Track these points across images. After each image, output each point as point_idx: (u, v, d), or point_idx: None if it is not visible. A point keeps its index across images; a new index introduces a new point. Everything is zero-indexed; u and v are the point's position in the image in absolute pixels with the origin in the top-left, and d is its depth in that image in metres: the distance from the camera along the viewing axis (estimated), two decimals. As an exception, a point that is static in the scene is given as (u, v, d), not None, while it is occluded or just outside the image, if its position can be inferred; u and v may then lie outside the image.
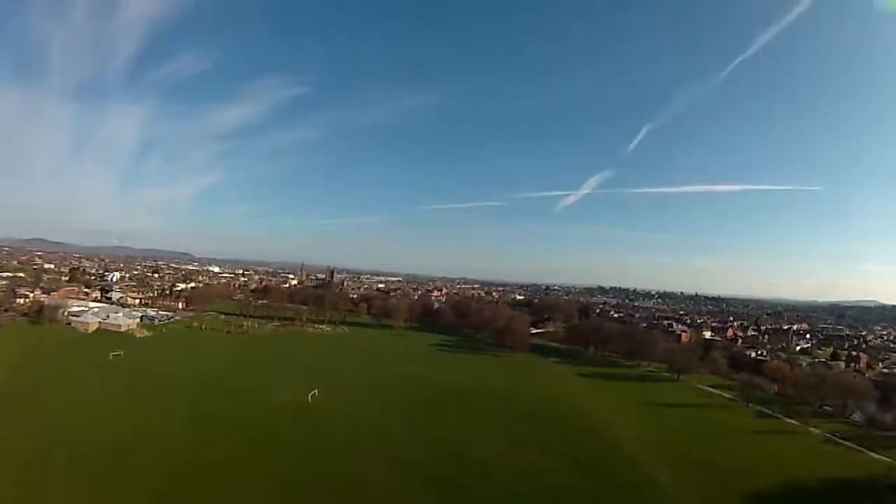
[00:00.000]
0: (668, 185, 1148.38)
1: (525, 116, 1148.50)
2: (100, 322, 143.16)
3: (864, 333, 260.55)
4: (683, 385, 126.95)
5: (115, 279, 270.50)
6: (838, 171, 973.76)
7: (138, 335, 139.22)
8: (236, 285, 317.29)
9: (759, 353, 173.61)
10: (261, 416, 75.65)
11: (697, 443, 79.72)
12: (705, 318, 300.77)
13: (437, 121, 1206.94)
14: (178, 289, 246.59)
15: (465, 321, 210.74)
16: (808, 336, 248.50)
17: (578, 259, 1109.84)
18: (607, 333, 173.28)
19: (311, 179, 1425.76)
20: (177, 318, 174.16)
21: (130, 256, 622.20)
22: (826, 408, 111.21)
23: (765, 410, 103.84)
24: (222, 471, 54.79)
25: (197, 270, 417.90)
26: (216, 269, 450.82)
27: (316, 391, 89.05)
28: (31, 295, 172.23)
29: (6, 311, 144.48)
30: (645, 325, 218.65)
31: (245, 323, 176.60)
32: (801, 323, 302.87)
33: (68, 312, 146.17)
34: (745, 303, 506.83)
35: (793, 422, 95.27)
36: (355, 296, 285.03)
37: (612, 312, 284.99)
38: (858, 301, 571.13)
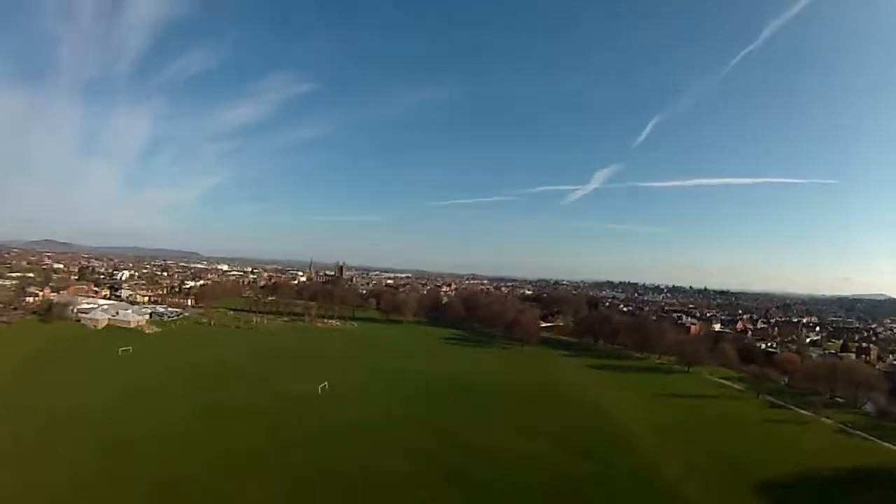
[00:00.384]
0: (677, 179, 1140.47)
1: (532, 112, 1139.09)
2: (109, 318, 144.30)
3: (874, 326, 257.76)
4: (694, 376, 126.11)
5: (124, 277, 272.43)
6: (854, 164, 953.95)
7: (148, 331, 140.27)
8: (245, 282, 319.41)
9: (769, 344, 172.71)
10: (270, 408, 75.97)
11: (709, 432, 79.38)
12: (714, 311, 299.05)
13: (445, 117, 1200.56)
14: (187, 286, 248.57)
15: (474, 315, 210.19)
16: (817, 329, 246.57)
17: (587, 254, 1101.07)
18: (617, 326, 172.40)
19: (319, 177, 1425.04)
20: (186, 314, 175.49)
21: (139, 256, 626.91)
22: (837, 399, 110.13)
23: (776, 401, 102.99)
24: (229, 462, 54.99)
25: (206, 269, 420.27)
26: (225, 268, 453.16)
27: (326, 383, 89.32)
28: (41, 293, 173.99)
29: (15, 309, 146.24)
30: (654, 317, 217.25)
31: (254, 319, 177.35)
32: (810, 316, 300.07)
33: (77, 309, 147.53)
34: (755, 297, 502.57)
35: (804, 412, 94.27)
36: (364, 291, 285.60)
37: (621, 306, 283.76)
38: (868, 295, 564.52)
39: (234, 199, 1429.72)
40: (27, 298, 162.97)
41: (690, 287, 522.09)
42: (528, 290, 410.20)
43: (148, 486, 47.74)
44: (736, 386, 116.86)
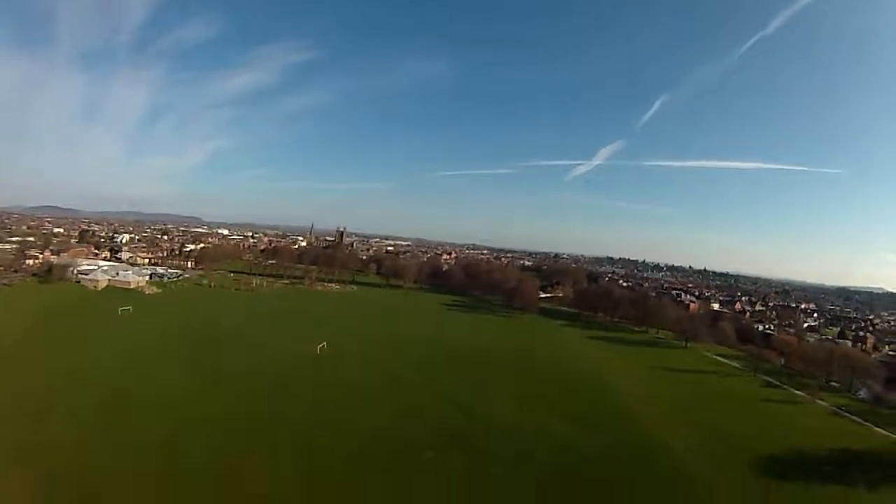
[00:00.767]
0: (681, 160, 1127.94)
1: (539, 87, 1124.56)
2: (109, 279, 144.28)
3: (871, 317, 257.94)
4: (692, 352, 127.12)
5: (124, 241, 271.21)
6: (861, 156, 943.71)
7: (148, 292, 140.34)
8: (246, 246, 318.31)
9: (766, 326, 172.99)
10: (268, 367, 76.49)
11: (706, 407, 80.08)
12: (713, 291, 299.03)
13: (449, 88, 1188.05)
14: (188, 249, 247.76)
15: (474, 282, 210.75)
16: (815, 315, 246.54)
17: (588, 229, 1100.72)
18: (617, 299, 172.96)
19: (321, 144, 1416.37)
20: (186, 276, 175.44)
21: (140, 221, 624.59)
22: (832, 383, 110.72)
23: (772, 381, 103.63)
24: (225, 422, 55.06)
25: (206, 233, 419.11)
26: (225, 232, 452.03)
27: (325, 344, 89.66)
28: (41, 256, 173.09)
29: (16, 272, 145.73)
30: (654, 294, 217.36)
31: (254, 281, 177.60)
32: (808, 303, 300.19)
33: (77, 271, 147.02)
34: (754, 280, 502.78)
35: (800, 393, 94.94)
36: (365, 257, 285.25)
37: (620, 281, 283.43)
38: (867, 287, 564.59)
39: (235, 166, 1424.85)
40: (27, 261, 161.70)
41: (690, 267, 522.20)
42: (528, 261, 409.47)
43: (145, 445, 47.71)
44: (733, 363, 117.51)
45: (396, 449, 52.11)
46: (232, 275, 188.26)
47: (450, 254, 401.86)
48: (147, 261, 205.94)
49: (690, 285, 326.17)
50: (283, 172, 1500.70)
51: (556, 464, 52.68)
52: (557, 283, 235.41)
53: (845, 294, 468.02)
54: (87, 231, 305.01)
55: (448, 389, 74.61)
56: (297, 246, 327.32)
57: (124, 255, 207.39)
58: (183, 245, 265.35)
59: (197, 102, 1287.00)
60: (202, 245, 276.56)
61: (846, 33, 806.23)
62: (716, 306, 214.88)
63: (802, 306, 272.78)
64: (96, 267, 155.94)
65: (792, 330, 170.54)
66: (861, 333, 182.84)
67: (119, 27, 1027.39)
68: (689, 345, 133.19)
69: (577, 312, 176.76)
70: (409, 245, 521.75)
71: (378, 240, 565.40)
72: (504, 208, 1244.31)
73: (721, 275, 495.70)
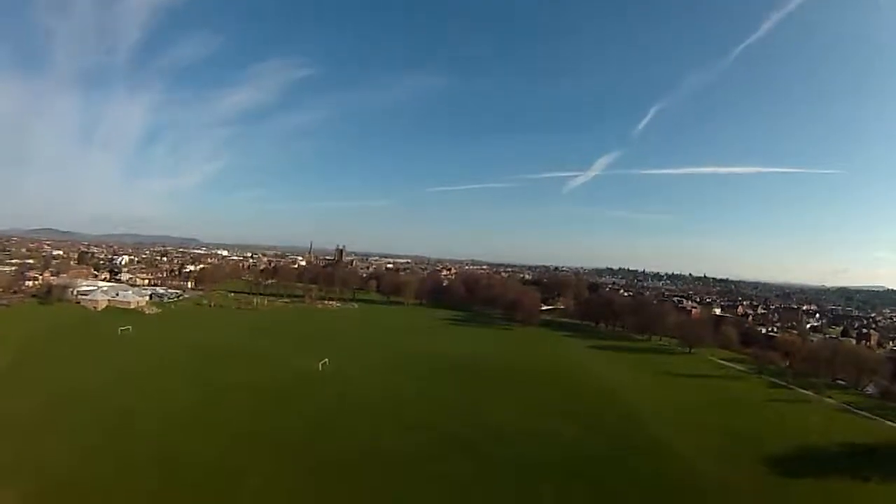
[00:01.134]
0: (678, 167, 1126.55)
1: (535, 101, 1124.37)
2: (109, 300, 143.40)
3: (873, 315, 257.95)
4: (696, 357, 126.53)
5: (123, 262, 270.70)
6: (858, 155, 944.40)
7: (148, 312, 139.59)
8: (245, 266, 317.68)
9: (769, 329, 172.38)
10: (270, 383, 75.55)
11: (715, 409, 79.37)
12: (714, 297, 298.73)
13: (444, 104, 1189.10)
14: (187, 270, 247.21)
15: (474, 297, 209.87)
16: (817, 315, 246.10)
17: (586, 241, 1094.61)
18: (619, 308, 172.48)
19: (319, 163, 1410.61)
20: (186, 296, 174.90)
21: (138, 243, 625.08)
22: (839, 381, 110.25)
23: (778, 382, 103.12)
24: (231, 436, 54.47)
25: (205, 254, 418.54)
26: (224, 253, 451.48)
27: (326, 360, 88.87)
28: (40, 277, 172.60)
29: (15, 293, 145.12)
30: (655, 301, 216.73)
31: (254, 300, 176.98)
32: (809, 304, 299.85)
33: (77, 292, 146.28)
34: (754, 285, 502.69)
35: (807, 392, 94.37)
36: (365, 274, 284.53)
37: (621, 291, 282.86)
38: (867, 286, 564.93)
39: (234, 186, 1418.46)
40: (27, 282, 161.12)
41: (690, 274, 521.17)
42: (528, 275, 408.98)
43: (148, 460, 46.91)
44: (738, 367, 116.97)
45: (402, 458, 51.49)
46: (232, 294, 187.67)
47: (450, 269, 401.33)
48: (147, 281, 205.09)
49: (691, 292, 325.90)
50: (280, 192, 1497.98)
51: (567, 468, 51.93)
52: (558, 295, 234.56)
53: (846, 294, 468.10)
54: (87, 253, 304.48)
55: (455, 402, 73.78)
56: (296, 265, 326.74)
57: (124, 276, 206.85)
58: (182, 266, 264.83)
59: (194, 122, 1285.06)
60: (202, 266, 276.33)
61: (839, 33, 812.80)
62: (717, 311, 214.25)
63: (804, 307, 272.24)
64: (96, 287, 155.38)
65: (795, 331, 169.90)
66: (864, 331, 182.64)
67: (114, 47, 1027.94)
68: (692, 350, 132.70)
69: (579, 323, 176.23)
70: (408, 262, 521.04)
71: (377, 258, 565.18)
72: (503, 223, 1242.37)
73: (721, 281, 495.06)
